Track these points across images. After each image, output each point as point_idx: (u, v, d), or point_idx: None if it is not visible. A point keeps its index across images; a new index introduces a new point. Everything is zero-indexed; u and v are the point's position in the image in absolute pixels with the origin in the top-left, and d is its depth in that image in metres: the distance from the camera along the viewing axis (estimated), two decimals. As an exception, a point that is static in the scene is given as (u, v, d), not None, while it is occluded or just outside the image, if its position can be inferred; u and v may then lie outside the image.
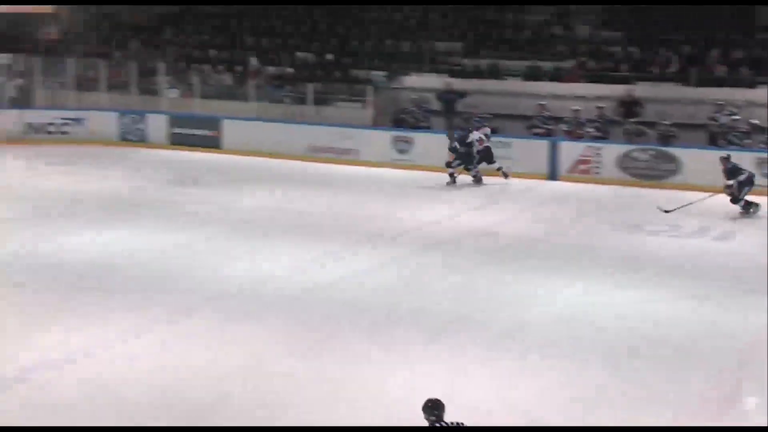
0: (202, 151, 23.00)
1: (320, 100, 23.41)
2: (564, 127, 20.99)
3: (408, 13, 25.85)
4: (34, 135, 24.08)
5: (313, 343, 10.57)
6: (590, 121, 20.74)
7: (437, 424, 6.81)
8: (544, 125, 21.12)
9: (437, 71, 23.69)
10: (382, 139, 21.85)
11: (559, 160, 20.27)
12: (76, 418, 8.52)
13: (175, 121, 24.02)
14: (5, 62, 25.70)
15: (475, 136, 19.28)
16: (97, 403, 8.92)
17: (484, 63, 23.60)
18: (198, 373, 9.72)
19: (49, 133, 24.24)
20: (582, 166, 20.10)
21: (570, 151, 20.29)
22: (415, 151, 21.47)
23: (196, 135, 23.59)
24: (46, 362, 9.92)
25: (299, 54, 25.58)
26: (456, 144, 19.26)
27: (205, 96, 24.45)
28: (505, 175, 19.49)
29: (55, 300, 12.04)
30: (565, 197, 18.18)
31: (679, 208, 16.60)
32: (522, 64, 23.19)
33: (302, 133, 22.62)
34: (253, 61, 25.48)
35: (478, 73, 23.32)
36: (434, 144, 20.76)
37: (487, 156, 19.50)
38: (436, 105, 22.66)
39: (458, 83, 22.70)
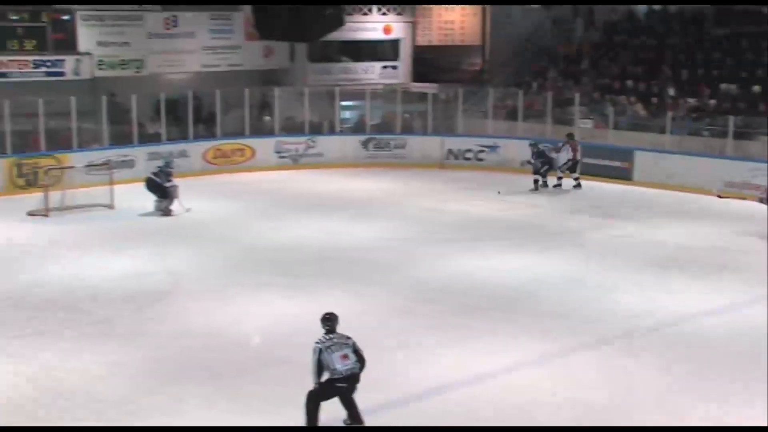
0: (612, 182, 22.79)
1: (742, 134, 22.15)
2: None
3: None
4: (453, 161, 25.45)
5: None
6: None
7: (330, 335, 8.85)
8: None
9: None
10: (810, 177, 20.16)
11: None
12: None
13: (587, 151, 24.03)
14: (432, 91, 27.41)
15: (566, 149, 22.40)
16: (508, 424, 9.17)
17: None
18: (600, 406, 9.63)
19: (467, 159, 25.46)
20: None
21: None
22: None
23: (607, 166, 23.42)
24: (453, 378, 10.41)
25: (722, 86, 24.42)
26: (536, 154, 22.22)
27: (618, 127, 24.22)
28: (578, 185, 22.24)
29: (458, 320, 12.58)
30: None
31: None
32: None
33: (720, 168, 21.55)
34: (671, 93, 24.79)
35: None
36: None
37: (573, 166, 22.44)
38: None
39: None
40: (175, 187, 19.48)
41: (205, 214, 19.47)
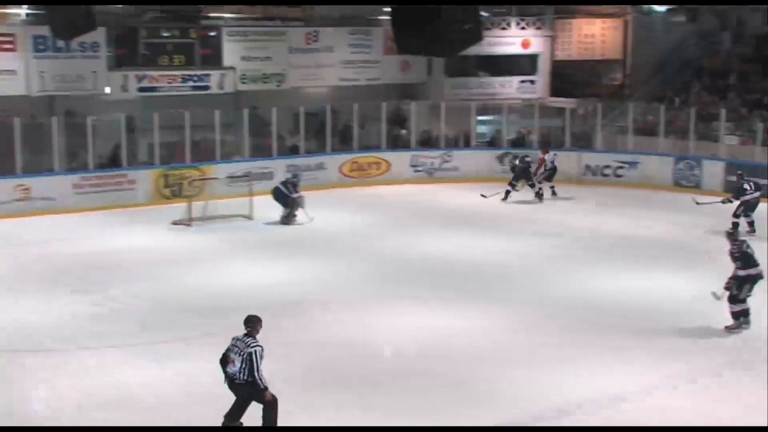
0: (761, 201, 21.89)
1: None
2: None
3: None
4: (590, 177, 25.00)
5: None
6: None
7: (245, 338, 8.97)
8: None
9: None
10: None
11: None
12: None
13: (733, 168, 23.17)
14: (570, 106, 27.02)
15: (549, 157, 23.02)
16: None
17: None
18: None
19: (604, 175, 24.96)
20: None
21: None
22: None
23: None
24: (587, 397, 10.21)
25: None
26: (516, 162, 22.74)
27: (767, 144, 23.25)
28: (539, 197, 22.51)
29: (591, 338, 12.38)
30: None
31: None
32: None
33: None
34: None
35: None
36: None
37: (551, 175, 23.06)
38: None
39: None
40: (301, 197, 19.96)
41: (341, 226, 19.75)
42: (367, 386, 10.75)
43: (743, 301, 12.48)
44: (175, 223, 19.82)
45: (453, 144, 26.44)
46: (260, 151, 24.30)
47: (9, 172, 20.70)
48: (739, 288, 12.40)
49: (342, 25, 26.56)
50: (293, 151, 24.79)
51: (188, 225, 19.67)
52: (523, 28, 28.73)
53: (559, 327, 12.86)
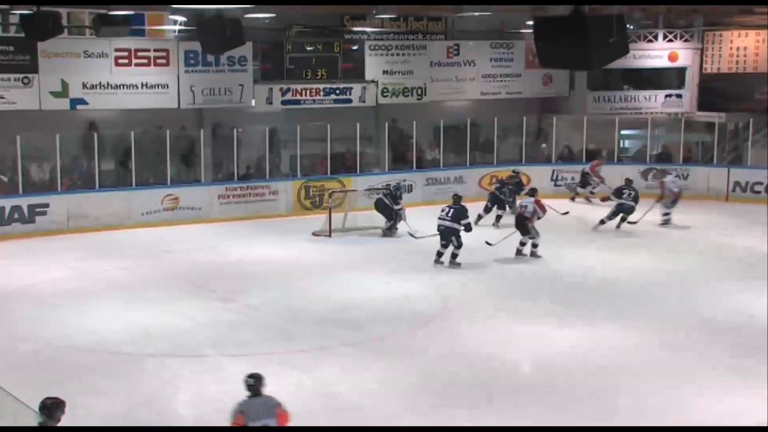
0: None
1: None
2: None
3: None
4: (740, 193, 24.05)
5: None
6: None
7: (47, 424, 7.19)
8: None
9: None
10: None
11: None
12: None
13: None
14: (719, 121, 26.07)
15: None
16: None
17: None
18: None
19: (755, 192, 23.93)
20: None
21: None
22: None
23: None
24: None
25: None
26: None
27: None
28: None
29: (740, 362, 11.91)
30: None
31: None
32: None
33: None
34: None
35: None
36: None
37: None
38: None
39: None
40: (402, 210, 20.03)
41: (478, 239, 19.57)
42: (502, 399, 10.62)
43: None
44: (315, 233, 20.14)
45: (594, 158, 25.92)
46: (400, 163, 24.47)
47: (161, 182, 21.54)
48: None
49: (483, 39, 26.46)
50: (433, 164, 24.85)
51: (328, 236, 19.95)
52: (670, 41, 27.92)
53: (709, 348, 12.48)
